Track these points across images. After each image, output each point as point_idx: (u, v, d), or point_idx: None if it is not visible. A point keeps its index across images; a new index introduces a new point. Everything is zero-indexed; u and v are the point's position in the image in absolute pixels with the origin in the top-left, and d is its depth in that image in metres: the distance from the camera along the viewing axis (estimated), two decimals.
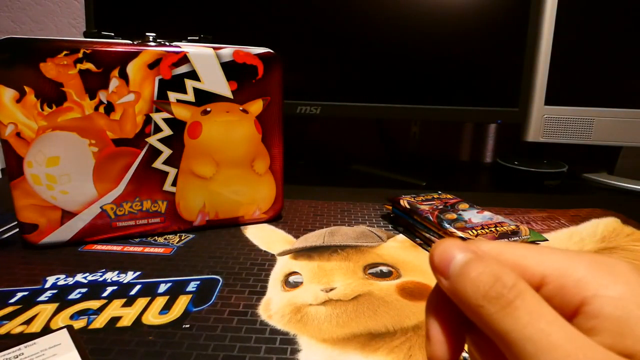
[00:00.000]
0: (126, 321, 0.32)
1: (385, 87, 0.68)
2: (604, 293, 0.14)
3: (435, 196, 0.52)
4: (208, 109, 0.45)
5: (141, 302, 0.34)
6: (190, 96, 0.44)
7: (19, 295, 0.34)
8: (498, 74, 0.69)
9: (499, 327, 0.13)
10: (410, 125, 0.87)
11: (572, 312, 0.14)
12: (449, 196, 0.52)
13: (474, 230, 0.42)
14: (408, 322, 0.32)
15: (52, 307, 0.33)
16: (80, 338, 0.29)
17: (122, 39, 0.42)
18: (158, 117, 0.43)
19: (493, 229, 0.42)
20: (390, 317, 0.33)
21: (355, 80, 0.68)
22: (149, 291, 0.36)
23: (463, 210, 0.47)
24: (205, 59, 0.44)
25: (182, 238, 0.46)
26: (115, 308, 0.33)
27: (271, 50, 0.47)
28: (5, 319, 0.31)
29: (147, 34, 0.43)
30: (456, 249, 0.16)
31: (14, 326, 0.31)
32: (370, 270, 0.39)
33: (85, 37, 0.42)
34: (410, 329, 0.31)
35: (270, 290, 0.36)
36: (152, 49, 0.42)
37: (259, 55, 0.46)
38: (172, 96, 0.43)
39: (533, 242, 0.41)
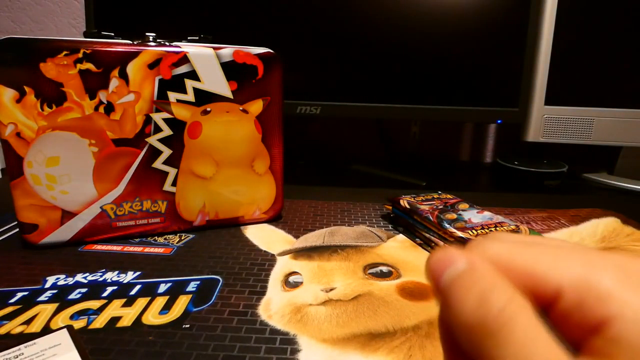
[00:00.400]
0: (126, 321, 0.32)
1: (385, 87, 0.68)
2: (630, 314, 0.11)
3: (435, 196, 0.52)
4: (208, 109, 0.45)
5: (141, 302, 0.34)
6: (190, 96, 0.44)
7: (19, 295, 0.34)
8: (498, 74, 0.69)
9: (484, 358, 0.12)
10: (410, 125, 0.87)
11: (591, 330, 0.12)
12: (449, 196, 0.52)
13: (474, 230, 0.42)
14: (408, 322, 0.32)
15: (52, 307, 0.33)
16: (80, 338, 0.29)
17: (122, 39, 0.42)
18: (158, 117, 0.43)
19: (493, 229, 0.42)
20: (390, 317, 0.33)
21: (355, 80, 0.68)
22: (149, 291, 0.36)
23: (463, 210, 0.47)
24: (205, 59, 0.44)
25: (182, 238, 0.46)
26: (115, 308, 0.33)
27: (271, 50, 0.47)
28: (5, 319, 0.31)
29: (147, 34, 0.43)
30: (450, 259, 0.14)
31: (14, 326, 0.31)
32: (370, 270, 0.39)
33: (85, 37, 0.42)
34: (410, 329, 0.31)
35: (270, 290, 0.36)
36: (152, 49, 0.42)
37: (259, 55, 0.46)
38: (172, 96, 0.43)
39: None
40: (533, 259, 0.13)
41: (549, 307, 0.13)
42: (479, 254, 0.14)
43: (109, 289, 0.36)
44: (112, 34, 0.42)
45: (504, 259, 0.14)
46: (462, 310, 0.13)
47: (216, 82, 0.44)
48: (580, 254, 0.13)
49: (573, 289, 0.12)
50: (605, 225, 0.52)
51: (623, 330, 0.11)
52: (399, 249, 0.44)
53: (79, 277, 0.37)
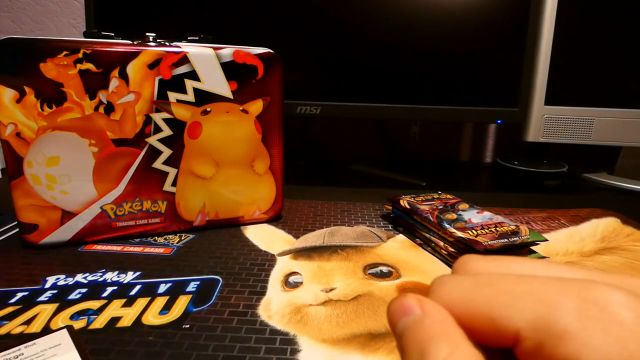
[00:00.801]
0: (126, 321, 0.32)
1: (385, 87, 0.68)
2: (587, 355, 0.11)
3: (435, 196, 0.52)
4: (208, 109, 0.45)
5: (141, 302, 0.34)
6: (190, 96, 0.44)
7: (19, 295, 0.34)
8: (498, 74, 0.69)
9: None
10: (410, 125, 0.87)
11: None
12: (449, 196, 0.52)
13: (474, 231, 0.42)
14: None
15: (52, 307, 0.33)
16: (80, 338, 0.29)
17: (122, 39, 0.42)
18: (158, 117, 0.43)
19: (493, 229, 0.42)
20: None
21: (355, 80, 0.68)
22: (149, 291, 0.36)
23: (463, 210, 0.47)
24: (205, 59, 0.44)
25: (182, 238, 0.46)
26: (115, 308, 0.33)
27: (271, 50, 0.47)
28: (5, 319, 0.31)
29: (147, 34, 0.43)
30: (406, 307, 0.14)
31: (14, 326, 0.31)
32: (370, 271, 0.39)
33: (85, 37, 0.42)
34: None
35: (270, 291, 0.36)
36: (152, 49, 0.42)
37: (259, 55, 0.46)
38: (172, 96, 0.43)
39: (533, 242, 0.41)
40: (490, 301, 0.13)
41: (515, 346, 0.12)
42: (439, 298, 0.14)
43: (109, 289, 0.36)
44: (112, 34, 0.42)
45: (462, 301, 0.13)
46: None
47: (216, 82, 0.44)
48: (540, 288, 0.12)
49: (531, 331, 0.12)
50: (605, 225, 0.52)
51: None
52: (399, 249, 0.44)
53: (79, 277, 0.37)
